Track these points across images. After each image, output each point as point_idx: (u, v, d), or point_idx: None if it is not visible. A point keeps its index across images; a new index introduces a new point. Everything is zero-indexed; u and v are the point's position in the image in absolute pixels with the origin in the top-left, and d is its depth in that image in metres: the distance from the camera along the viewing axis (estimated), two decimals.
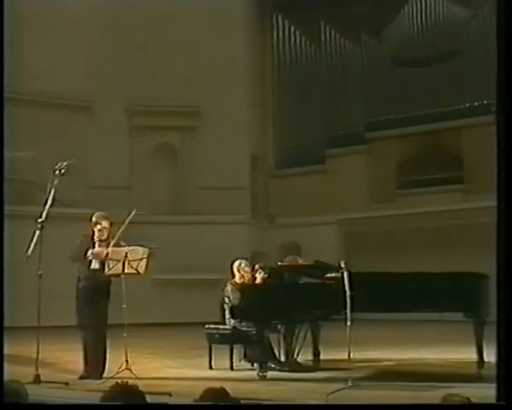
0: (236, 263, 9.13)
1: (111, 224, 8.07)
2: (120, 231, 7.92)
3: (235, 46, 18.65)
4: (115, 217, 8.20)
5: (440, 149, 17.99)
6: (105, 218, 8.10)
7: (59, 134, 16.66)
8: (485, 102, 16.92)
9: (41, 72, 16.64)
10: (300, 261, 9.23)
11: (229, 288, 8.93)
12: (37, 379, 7.24)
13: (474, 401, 3.41)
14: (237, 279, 9.02)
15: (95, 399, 5.89)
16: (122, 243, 7.91)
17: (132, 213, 7.87)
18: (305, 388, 7.34)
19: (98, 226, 8.02)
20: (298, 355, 8.79)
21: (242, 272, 9.01)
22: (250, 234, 18.14)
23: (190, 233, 17.58)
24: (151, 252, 8.03)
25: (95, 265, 7.93)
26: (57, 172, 7.95)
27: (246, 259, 9.41)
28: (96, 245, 8.00)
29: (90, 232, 8.08)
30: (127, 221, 7.88)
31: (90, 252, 7.87)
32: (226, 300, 8.90)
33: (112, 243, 7.85)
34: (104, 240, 7.97)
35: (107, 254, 7.75)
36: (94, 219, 8.12)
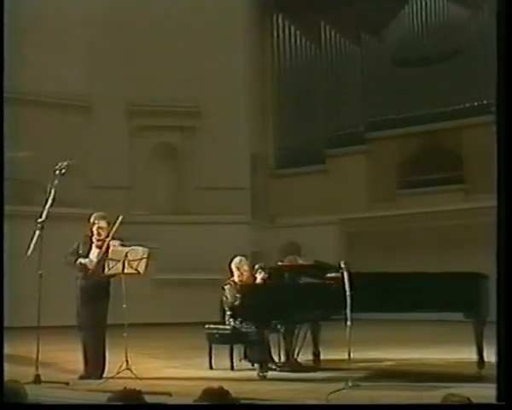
0: (236, 260, 9.11)
1: (109, 224, 8.09)
2: (112, 233, 7.96)
3: (234, 46, 18.64)
4: (115, 217, 8.20)
5: (440, 149, 17.96)
6: (103, 218, 8.13)
7: (59, 134, 16.64)
8: (485, 102, 16.87)
9: (41, 72, 16.62)
10: (300, 261, 9.22)
11: (227, 287, 8.93)
12: (37, 379, 7.26)
13: (474, 401, 3.42)
14: (236, 278, 9.00)
15: (95, 399, 5.92)
16: (122, 243, 7.92)
17: (119, 219, 7.94)
18: (305, 388, 7.34)
19: (96, 226, 8.04)
20: (298, 355, 8.79)
21: (242, 270, 9.00)
22: (250, 234, 18.11)
23: (190, 233, 17.55)
24: (151, 252, 8.05)
25: (90, 264, 7.94)
26: (57, 172, 7.99)
27: (244, 256, 9.40)
28: (94, 246, 8.01)
29: (89, 233, 8.10)
30: (116, 226, 7.95)
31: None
32: (224, 299, 8.90)
33: (107, 242, 7.87)
34: (102, 239, 7.98)
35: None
36: (92, 219, 8.16)
